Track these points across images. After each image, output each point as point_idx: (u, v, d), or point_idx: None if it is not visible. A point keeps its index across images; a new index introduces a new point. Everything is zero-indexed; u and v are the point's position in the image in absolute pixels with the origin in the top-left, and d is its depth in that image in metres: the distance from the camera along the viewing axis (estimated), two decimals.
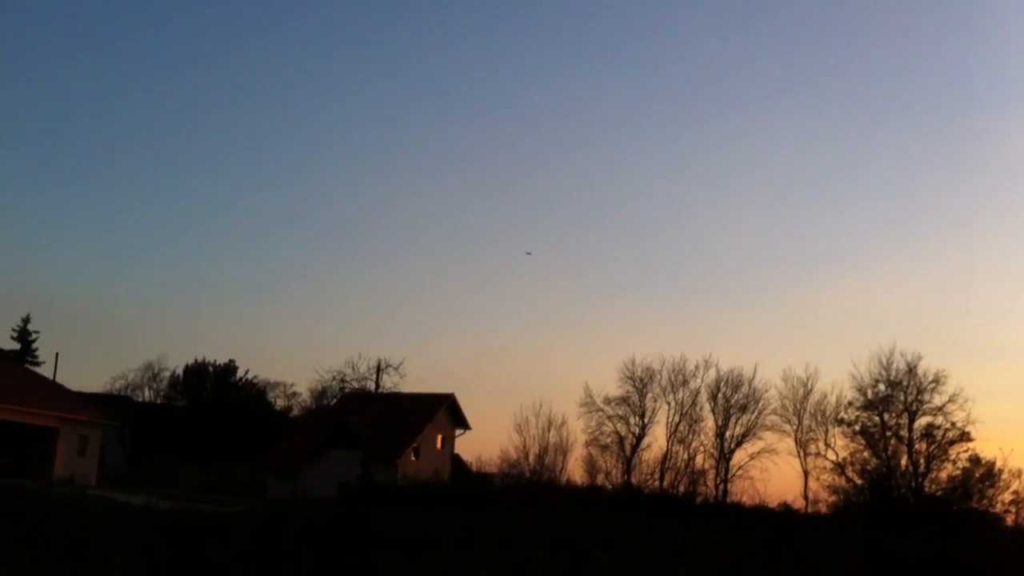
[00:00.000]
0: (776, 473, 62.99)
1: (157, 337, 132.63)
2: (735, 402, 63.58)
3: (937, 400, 58.95)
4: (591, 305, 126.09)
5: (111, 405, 68.25)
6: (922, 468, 58.80)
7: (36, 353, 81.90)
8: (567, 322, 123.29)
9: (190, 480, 62.81)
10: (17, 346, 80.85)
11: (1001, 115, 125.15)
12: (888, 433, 59.76)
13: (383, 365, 59.10)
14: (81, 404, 58.95)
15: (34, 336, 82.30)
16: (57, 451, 53.31)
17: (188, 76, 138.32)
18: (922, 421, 59.19)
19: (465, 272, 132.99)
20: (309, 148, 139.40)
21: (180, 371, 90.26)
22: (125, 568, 16.27)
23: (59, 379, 66.07)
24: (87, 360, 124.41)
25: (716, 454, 63.27)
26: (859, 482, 60.37)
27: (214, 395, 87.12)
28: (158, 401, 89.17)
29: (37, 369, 74.67)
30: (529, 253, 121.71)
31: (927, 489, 58.45)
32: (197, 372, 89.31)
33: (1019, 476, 58.09)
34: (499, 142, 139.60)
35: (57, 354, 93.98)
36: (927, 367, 59.54)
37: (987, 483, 58.47)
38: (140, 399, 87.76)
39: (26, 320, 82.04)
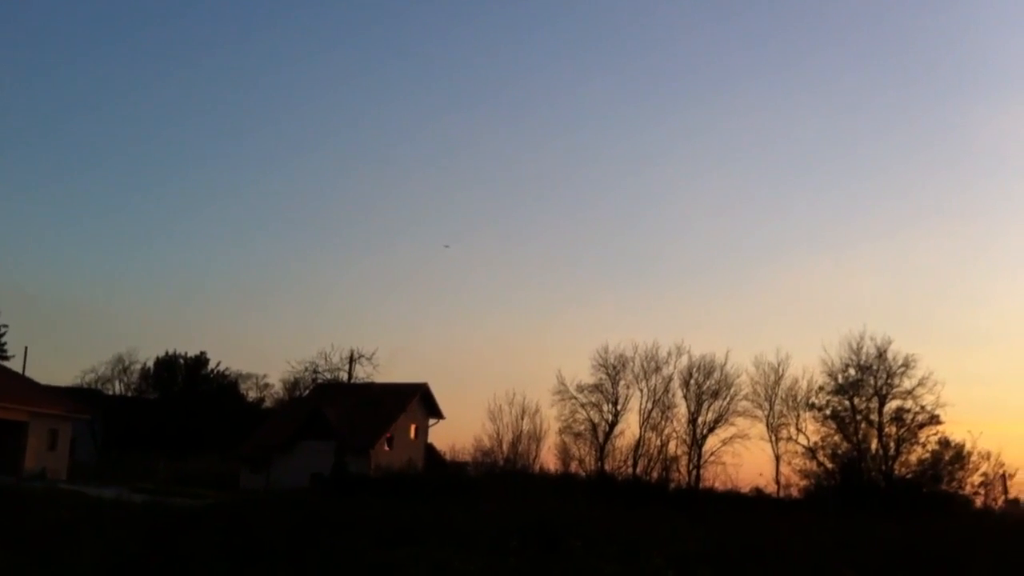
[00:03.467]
0: (748, 458, 63.17)
1: (127, 330, 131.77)
2: (707, 388, 63.78)
3: (907, 384, 59.32)
4: (564, 294, 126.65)
5: (81, 399, 67.73)
6: (892, 451, 59.18)
7: (5, 347, 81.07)
8: (540, 311, 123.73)
9: (162, 473, 62.47)
10: None
11: (976, 103, 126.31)
12: (858, 417, 60.11)
13: (356, 356, 58.94)
14: (51, 398, 58.48)
15: (3, 330, 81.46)
16: (27, 445, 52.87)
17: (171, 73, 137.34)
18: (892, 405, 59.55)
19: (437, 263, 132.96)
20: (282, 145, 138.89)
21: (151, 364, 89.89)
22: (98, 561, 16.20)
23: (28, 373, 65.50)
24: (57, 354, 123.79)
25: (689, 440, 63.46)
26: (830, 466, 60.73)
27: (185, 387, 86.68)
28: (129, 394, 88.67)
29: (6, 363, 73.96)
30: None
31: (897, 472, 58.85)
32: (168, 364, 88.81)
33: (988, 458, 58.55)
34: (473, 135, 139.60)
35: (26, 348, 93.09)
36: (897, 351, 59.92)
37: (956, 466, 58.89)
38: (111, 392, 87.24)
39: None
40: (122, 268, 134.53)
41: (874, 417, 59.71)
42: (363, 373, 59.13)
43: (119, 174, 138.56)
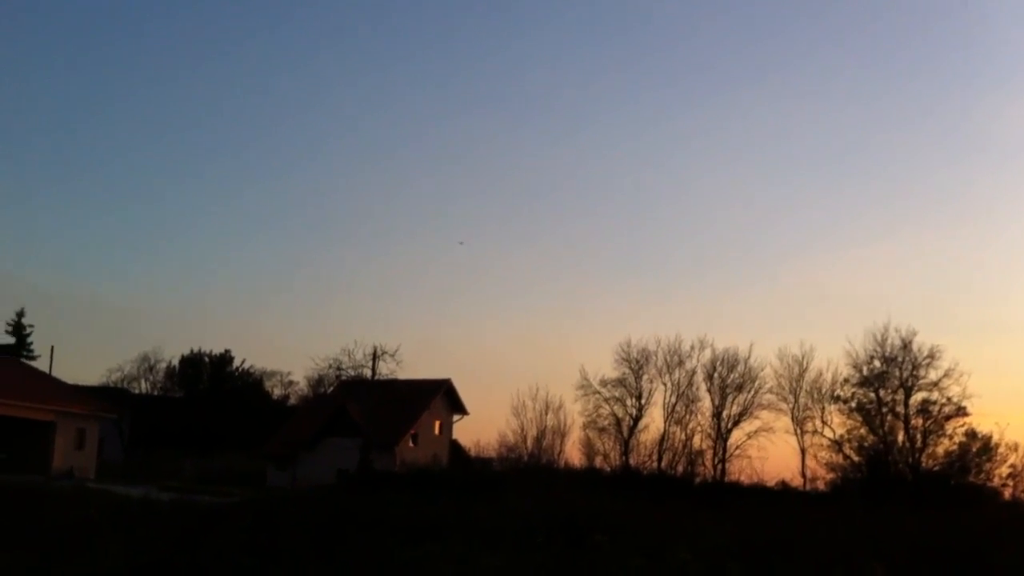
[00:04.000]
0: (773, 451, 62.99)
1: (152, 329, 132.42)
2: (731, 382, 63.71)
3: (932, 375, 59.13)
4: (586, 288, 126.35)
5: (108, 398, 68.17)
6: (919, 444, 58.93)
7: (31, 347, 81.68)
8: (562, 305, 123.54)
9: (189, 471, 62.81)
10: (12, 340, 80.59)
11: (999, 94, 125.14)
12: (884, 409, 59.88)
13: (379, 352, 59.04)
14: (78, 397, 58.85)
15: (29, 330, 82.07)
16: (55, 445, 53.21)
17: (184, 71, 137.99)
18: (918, 397, 59.35)
19: (459, 259, 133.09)
20: (303, 140, 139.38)
21: (176, 362, 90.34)
22: (126, 560, 16.29)
23: (55, 373, 65.98)
24: (82, 353, 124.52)
25: (713, 434, 63.44)
26: (856, 459, 60.51)
27: (211, 385, 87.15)
28: (155, 393, 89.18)
29: (32, 363, 74.51)
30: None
31: (924, 464, 58.59)
32: (193, 363, 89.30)
33: (1016, 450, 58.34)
34: (492, 130, 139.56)
35: (52, 348, 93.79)
36: (922, 342, 59.71)
37: (984, 457, 58.62)
38: (136, 391, 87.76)
39: (20, 314, 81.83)
40: (146, 267, 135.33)
41: (900, 409, 59.49)
42: (386, 370, 59.26)
43: (144, 172, 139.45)
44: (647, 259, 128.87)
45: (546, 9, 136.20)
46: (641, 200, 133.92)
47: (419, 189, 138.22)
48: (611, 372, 65.56)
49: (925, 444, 59.02)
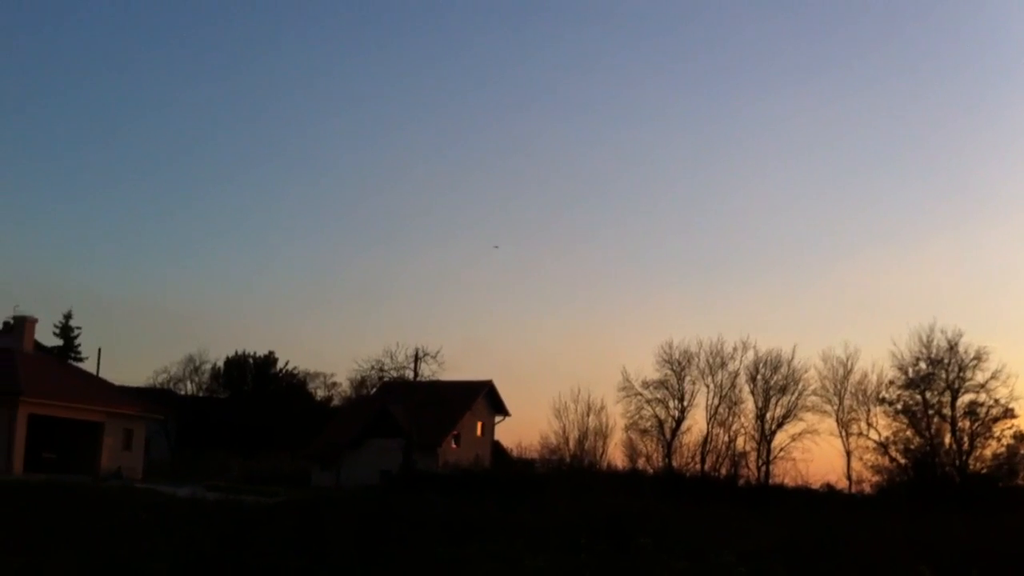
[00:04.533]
0: (818, 454, 62.61)
1: (197, 331, 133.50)
2: (775, 383, 63.20)
3: (979, 377, 58.42)
4: (628, 289, 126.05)
5: (154, 399, 68.93)
6: (966, 446, 58.27)
7: (79, 349, 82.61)
8: (604, 307, 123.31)
9: (234, 471, 63.41)
10: (60, 342, 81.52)
11: None
12: (930, 411, 59.27)
13: (421, 354, 59.31)
14: (125, 398, 59.56)
15: (76, 332, 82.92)
16: (103, 445, 53.90)
17: (224, 76, 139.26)
18: (965, 399, 58.68)
19: (503, 260, 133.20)
20: (345, 143, 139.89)
21: (221, 364, 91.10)
22: (173, 558, 16.49)
23: (102, 374, 66.87)
24: (129, 355, 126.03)
25: (757, 436, 62.98)
26: (902, 461, 59.95)
27: (255, 387, 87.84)
28: (200, 394, 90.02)
29: (80, 365, 75.48)
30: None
31: (971, 467, 57.94)
32: (238, 364, 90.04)
33: None
34: (537, 131, 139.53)
35: (100, 349, 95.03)
36: (968, 344, 58.99)
37: None
38: (182, 392, 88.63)
39: (68, 316, 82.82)
40: (191, 270, 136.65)
41: (947, 411, 58.84)
42: (428, 371, 59.56)
43: (188, 176, 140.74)
44: (690, 261, 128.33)
45: (588, 8, 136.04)
46: (685, 202, 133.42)
47: (462, 191, 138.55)
48: (653, 374, 65.34)
49: (972, 446, 58.36)
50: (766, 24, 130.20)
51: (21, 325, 56.32)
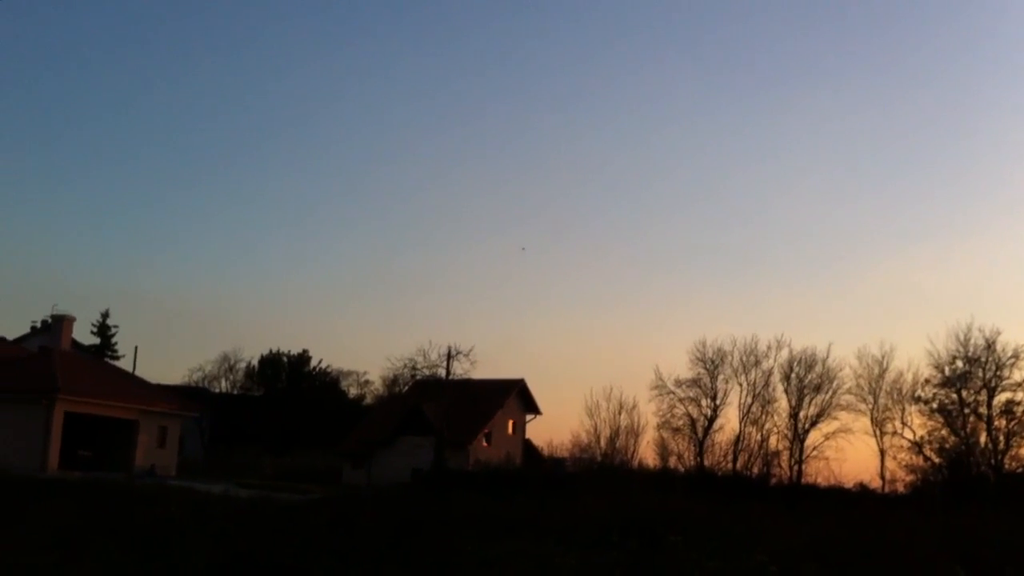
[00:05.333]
0: (852, 453, 62.23)
1: (232, 329, 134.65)
2: (809, 382, 62.81)
3: (1017, 376, 57.95)
4: (661, 288, 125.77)
5: (189, 396, 69.55)
6: (1002, 445, 57.70)
7: (115, 347, 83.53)
8: (636, 305, 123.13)
9: (267, 469, 63.82)
10: (97, 340, 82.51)
11: None
12: (966, 410, 58.74)
13: (453, 352, 59.45)
14: (160, 396, 60.07)
15: (113, 331, 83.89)
16: (138, 443, 54.38)
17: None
18: (1001, 397, 58.15)
19: (536, 259, 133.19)
20: (380, 145, 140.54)
21: (255, 362, 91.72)
22: (206, 555, 16.62)
23: (138, 372, 67.58)
24: (165, 353, 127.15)
25: (790, 435, 62.62)
26: (937, 461, 59.42)
27: (289, 385, 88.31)
28: (234, 392, 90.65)
29: (117, 363, 76.26)
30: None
31: (1007, 466, 57.34)
32: (272, 363, 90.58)
33: None
34: (575, 132, 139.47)
35: (136, 347, 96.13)
36: (1006, 342, 58.48)
37: None
38: (217, 390, 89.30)
39: (105, 315, 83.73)
40: (227, 269, 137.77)
41: (983, 410, 58.29)
42: (460, 370, 59.72)
43: (229, 177, 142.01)
44: (723, 260, 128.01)
45: (634, 13, 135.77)
46: (718, 202, 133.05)
47: (495, 191, 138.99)
48: (686, 372, 65.19)
49: (1008, 445, 57.78)
50: (810, 25, 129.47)
51: (59, 324, 57.00)
